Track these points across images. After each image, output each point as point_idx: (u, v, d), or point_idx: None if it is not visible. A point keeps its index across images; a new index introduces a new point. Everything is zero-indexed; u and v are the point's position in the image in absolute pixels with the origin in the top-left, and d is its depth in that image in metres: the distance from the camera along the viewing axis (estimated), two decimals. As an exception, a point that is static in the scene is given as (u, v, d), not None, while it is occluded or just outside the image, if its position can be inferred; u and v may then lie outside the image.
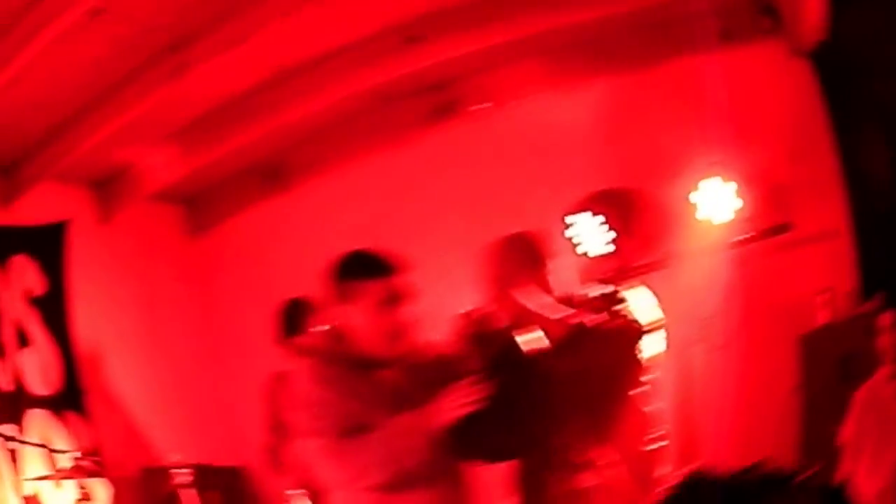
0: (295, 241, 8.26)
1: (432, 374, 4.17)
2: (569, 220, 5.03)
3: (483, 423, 4.15)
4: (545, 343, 4.39)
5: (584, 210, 5.13)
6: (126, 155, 7.97)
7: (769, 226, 5.74)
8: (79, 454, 7.17)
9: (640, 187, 5.46)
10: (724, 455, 4.99)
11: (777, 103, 6.10)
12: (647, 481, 4.91)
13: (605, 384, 4.66)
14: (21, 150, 7.76)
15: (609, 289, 4.69)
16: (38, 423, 8.79)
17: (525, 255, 4.63)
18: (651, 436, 4.99)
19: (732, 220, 5.43)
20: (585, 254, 4.89)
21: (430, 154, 7.01)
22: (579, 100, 6.46)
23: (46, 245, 9.37)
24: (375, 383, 4.24)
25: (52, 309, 9.45)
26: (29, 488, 8.21)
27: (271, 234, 8.54)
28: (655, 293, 4.90)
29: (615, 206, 5.24)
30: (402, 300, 4.31)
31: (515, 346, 4.38)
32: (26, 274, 9.17)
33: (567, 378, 4.44)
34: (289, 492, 6.19)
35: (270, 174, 8.40)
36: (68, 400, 9.32)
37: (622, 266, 4.91)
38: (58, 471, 7.89)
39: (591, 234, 4.90)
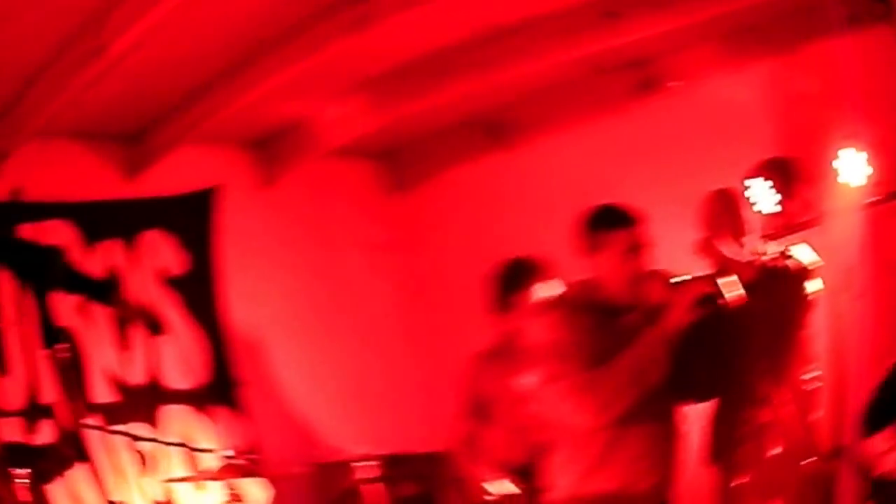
0: (513, 198, 7.82)
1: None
2: (747, 182, 5.23)
3: (692, 363, 4.68)
4: (741, 285, 4.74)
5: (757, 175, 5.30)
6: (297, 110, 7.42)
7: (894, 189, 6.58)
8: (229, 452, 6.49)
9: (797, 156, 5.63)
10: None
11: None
12: (806, 421, 5.36)
13: (783, 323, 5.27)
14: (151, 117, 7.23)
15: (781, 240, 5.28)
16: (176, 419, 7.86)
17: (723, 210, 5.24)
18: (811, 375, 5.39)
19: (865, 185, 5.71)
20: (760, 212, 5.16)
21: (638, 122, 7.03)
22: (747, 79, 6.72)
23: (188, 216, 8.38)
24: (619, 328, 4.64)
25: (196, 289, 8.45)
26: (159, 492, 7.38)
27: (486, 190, 7.95)
28: (812, 246, 5.36)
29: (779, 172, 5.33)
30: (642, 249, 4.73)
31: (718, 288, 4.62)
32: (161, 251, 8.15)
33: (756, 317, 5.04)
34: (485, 478, 5.94)
35: (485, 130, 7.95)
36: (216, 393, 8.34)
37: (786, 223, 5.22)
38: (200, 472, 7.11)
39: (762, 196, 5.17)
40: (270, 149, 7.96)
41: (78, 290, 4.61)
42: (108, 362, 8.07)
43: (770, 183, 5.68)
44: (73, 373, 4.40)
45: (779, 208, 5.64)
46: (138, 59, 6.07)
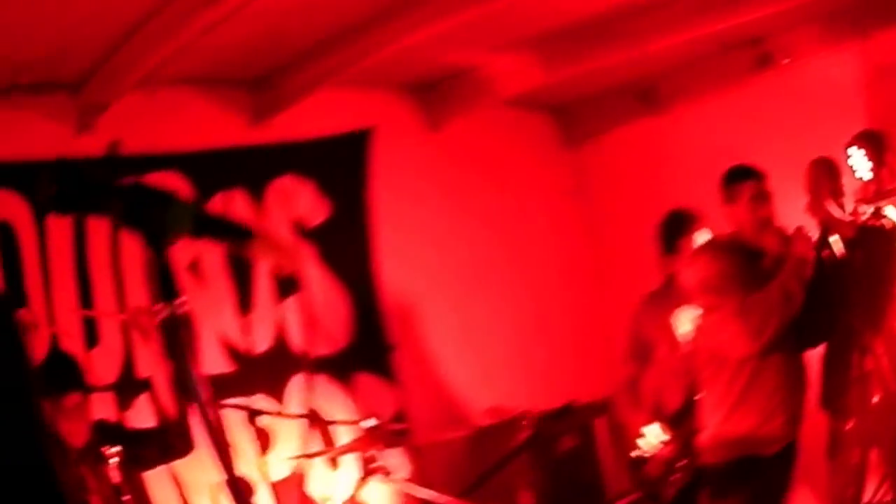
0: (667, 158, 8.06)
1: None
2: (848, 151, 5.70)
3: (806, 308, 5.35)
4: (842, 242, 5.59)
5: (855, 144, 5.78)
6: (465, 58, 7.28)
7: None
8: (371, 422, 5.73)
9: (888, 129, 6.27)
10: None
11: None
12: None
13: (880, 277, 5.79)
14: (281, 61, 6.79)
15: (877, 203, 5.71)
16: (307, 389, 6.76)
17: (825, 175, 5.62)
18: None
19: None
20: (859, 178, 5.66)
21: (759, 95, 7.62)
22: (846, 57, 7.36)
23: (331, 160, 7.16)
24: (759, 267, 5.43)
25: (339, 241, 7.07)
26: (284, 470, 6.32)
27: (644, 150, 8.21)
28: (897, 209, 6.82)
29: (873, 143, 5.80)
30: (766, 198, 5.67)
31: (828, 243, 5.49)
32: (295, 199, 6.98)
33: (856, 270, 5.67)
34: (642, 425, 6.28)
35: (642, 96, 8.27)
36: (360, 358, 7.05)
37: (878, 189, 5.63)
38: (333, 446, 6.39)
39: (860, 163, 5.65)
40: (437, 93, 7.73)
41: (209, 234, 3.52)
42: (223, 327, 6.91)
43: (863, 152, 6.44)
44: (182, 339, 3.38)
45: (871, 175, 6.29)
46: (265, 2, 5.94)
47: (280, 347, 6.82)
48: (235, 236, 2.19)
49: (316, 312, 6.90)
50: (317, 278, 6.98)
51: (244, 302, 6.98)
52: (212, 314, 6.87)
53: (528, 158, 8.41)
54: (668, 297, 6.37)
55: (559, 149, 8.67)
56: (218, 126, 7.10)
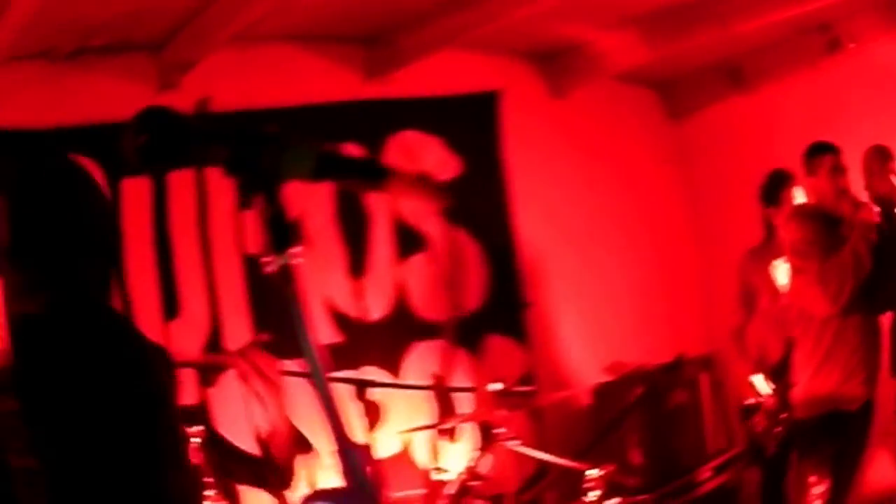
0: (755, 134, 8.69)
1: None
2: None
3: (879, 278, 5.86)
4: None
5: None
6: (579, 33, 7.44)
7: None
8: (497, 386, 5.20)
9: None
10: None
11: None
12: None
13: None
14: (395, 19, 6.76)
15: None
16: (425, 358, 6.21)
17: (880, 159, 6.23)
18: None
19: None
20: None
21: (830, 78, 8.33)
22: None
23: (461, 119, 6.67)
24: (837, 232, 5.92)
25: (472, 198, 6.37)
26: (396, 445, 5.78)
27: (735, 127, 8.86)
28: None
29: None
30: (843, 170, 6.11)
31: (890, 215, 6.06)
32: (421, 154, 6.49)
33: None
34: (748, 376, 6.46)
35: (731, 75, 8.85)
36: (492, 320, 6.47)
37: None
38: (452, 415, 5.59)
39: None
40: (558, 64, 7.87)
41: (337, 176, 2.88)
42: (331, 292, 6.27)
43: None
44: (295, 294, 2.71)
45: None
46: None
47: (399, 313, 6.06)
48: (370, 176, 1.82)
49: (440, 272, 6.23)
50: (441, 236, 6.27)
51: (356, 264, 6.12)
52: (317, 278, 6.12)
53: (637, 130, 8.44)
54: (770, 248, 6.72)
55: (663, 122, 8.88)
56: (326, 81, 6.61)
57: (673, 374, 6.80)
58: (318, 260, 6.13)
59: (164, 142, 1.75)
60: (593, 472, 4.69)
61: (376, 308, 6.25)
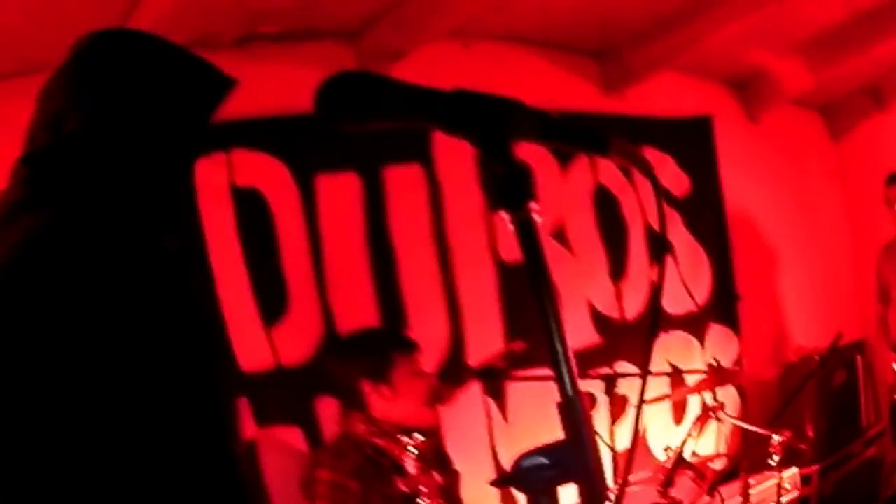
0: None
1: None
2: None
3: None
4: None
5: None
6: (760, 58, 7.88)
7: None
8: (712, 362, 5.87)
9: None
10: None
11: None
12: None
13: None
14: (620, 36, 6.95)
15: None
16: (662, 349, 6.66)
17: None
18: None
19: None
20: None
21: None
22: None
23: (685, 140, 7.30)
24: None
25: (699, 212, 7.23)
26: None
27: (880, 144, 9.49)
28: None
29: None
30: None
31: None
32: (660, 171, 6.73)
33: None
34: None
35: (873, 95, 9.47)
36: (715, 311, 7.27)
37: None
38: (678, 391, 6.21)
39: None
40: (750, 90, 8.51)
41: (558, 139, 1.83)
42: (593, 296, 6.55)
43: None
44: (539, 251, 1.67)
45: None
46: None
47: (656, 307, 6.55)
48: (589, 142, 1.70)
49: (679, 273, 6.00)
50: (683, 243, 6.93)
51: (617, 268, 6.48)
52: (581, 282, 6.30)
53: (808, 149, 9.31)
54: None
55: (827, 141, 9.71)
56: (562, 88, 6.65)
57: (835, 356, 7.08)
58: (582, 264, 6.30)
59: (371, 102, 1.52)
60: (776, 439, 5.12)
61: (633, 308, 6.50)
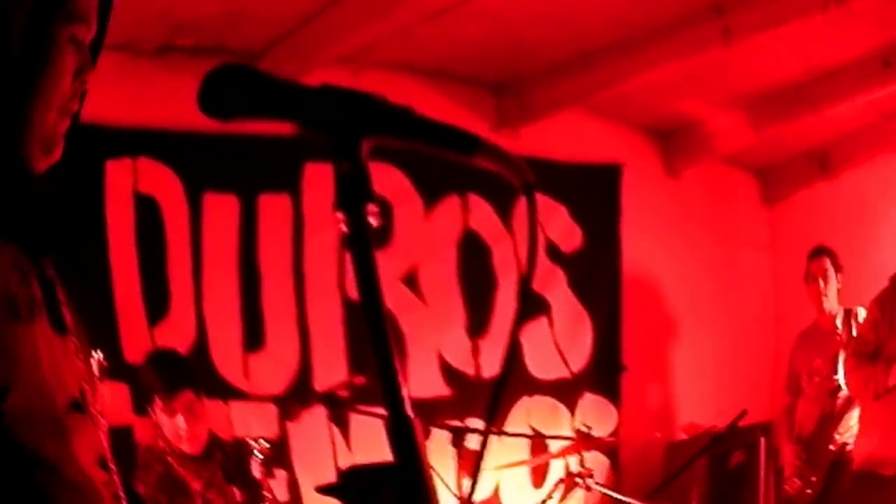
0: (840, 221, 8.97)
1: None
2: None
3: None
4: None
5: None
6: (691, 108, 7.47)
7: None
8: (583, 428, 5.77)
9: None
10: None
11: None
12: None
13: None
14: (530, 70, 6.68)
15: None
16: (524, 412, 6.49)
17: None
18: None
19: None
20: None
21: None
22: None
23: (585, 188, 6.78)
24: None
25: (589, 270, 6.77)
26: (488, 489, 5.98)
27: (828, 209, 9.14)
28: None
29: None
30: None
31: None
32: (548, 220, 6.60)
33: None
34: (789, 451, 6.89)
35: (818, 161, 9.01)
36: (591, 380, 6.81)
37: None
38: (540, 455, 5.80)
39: None
40: (673, 142, 7.98)
41: (420, 139, 1.78)
42: (445, 348, 6.39)
43: None
44: (372, 260, 1.64)
45: None
46: (506, 4, 5.73)
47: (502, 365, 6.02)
48: (458, 143, 1.59)
49: (555, 336, 6.51)
50: (563, 303, 6.48)
51: (476, 324, 6.19)
52: (430, 333, 6.10)
53: (736, 212, 8.87)
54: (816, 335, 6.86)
55: (759, 206, 9.30)
56: (449, 122, 6.79)
57: (734, 436, 7.01)
58: (433, 314, 6.13)
59: (252, 95, 1.55)
60: None
61: (491, 366, 6.14)
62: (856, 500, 6.16)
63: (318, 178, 5.69)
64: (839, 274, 7.00)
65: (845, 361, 6.32)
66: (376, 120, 1.54)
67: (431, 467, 1.44)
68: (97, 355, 4.29)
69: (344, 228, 1.44)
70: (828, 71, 6.97)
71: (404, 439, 1.46)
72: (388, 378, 1.45)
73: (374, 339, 1.44)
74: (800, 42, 6.55)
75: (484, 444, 1.92)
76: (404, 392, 1.43)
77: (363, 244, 1.45)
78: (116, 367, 5.06)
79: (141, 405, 5.12)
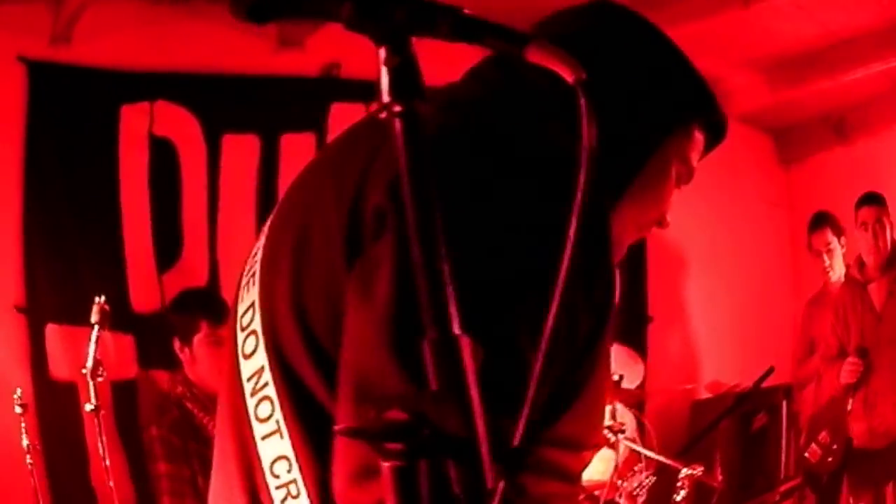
0: (855, 185, 8.70)
1: None
2: None
3: None
4: None
5: None
6: (710, 66, 6.81)
7: None
8: (616, 377, 5.88)
9: None
10: None
11: None
12: None
13: None
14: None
15: None
16: None
17: None
18: None
19: None
20: None
21: None
22: None
23: None
24: None
25: None
26: None
27: (837, 177, 9.30)
28: None
29: None
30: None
31: None
32: None
33: None
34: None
35: (833, 126, 9.31)
36: (618, 330, 5.37)
37: None
38: None
39: None
40: None
41: (470, 36, 1.62)
42: None
43: None
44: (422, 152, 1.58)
45: None
46: None
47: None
48: (507, 39, 1.54)
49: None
50: None
51: None
52: None
53: (752, 171, 9.05)
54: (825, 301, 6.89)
55: (775, 166, 9.52)
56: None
57: (758, 397, 6.97)
58: None
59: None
60: (684, 471, 4.93)
61: None
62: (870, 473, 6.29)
63: (345, 118, 5.56)
64: (842, 238, 7.21)
65: (820, 366, 6.73)
66: (426, 15, 1.50)
67: (480, 394, 1.29)
68: (100, 300, 4.46)
69: (393, 122, 1.41)
70: (843, 38, 7.12)
71: (449, 361, 1.32)
72: (435, 293, 1.35)
73: (423, 245, 1.37)
74: (818, 8, 6.77)
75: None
76: (451, 309, 1.32)
77: (413, 137, 1.42)
78: (122, 318, 5.09)
79: (147, 358, 5.28)
